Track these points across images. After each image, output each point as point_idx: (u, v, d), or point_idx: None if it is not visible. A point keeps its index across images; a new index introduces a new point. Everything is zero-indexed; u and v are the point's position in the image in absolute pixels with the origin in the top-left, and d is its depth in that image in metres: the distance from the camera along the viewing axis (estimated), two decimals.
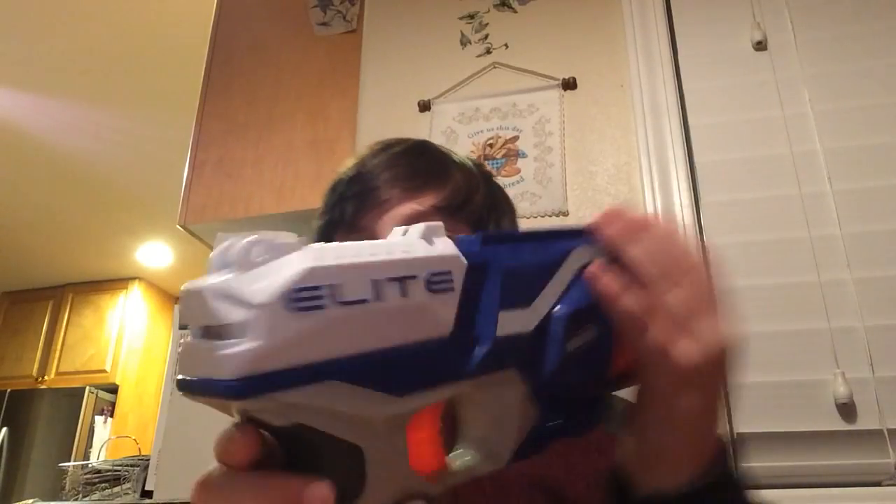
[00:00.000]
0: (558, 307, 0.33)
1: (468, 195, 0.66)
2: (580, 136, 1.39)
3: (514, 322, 0.31)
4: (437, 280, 0.28)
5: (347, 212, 0.64)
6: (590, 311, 0.34)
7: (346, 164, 0.69)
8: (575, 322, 0.33)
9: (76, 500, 1.60)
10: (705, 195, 1.29)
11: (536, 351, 0.32)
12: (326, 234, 0.68)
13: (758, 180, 1.27)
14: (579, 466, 0.52)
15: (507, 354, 0.31)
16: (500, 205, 0.72)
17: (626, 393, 0.57)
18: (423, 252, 0.28)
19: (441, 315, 0.28)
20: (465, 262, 0.29)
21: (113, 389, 4.24)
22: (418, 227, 0.29)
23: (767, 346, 1.16)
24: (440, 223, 0.30)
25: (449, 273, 0.28)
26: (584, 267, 0.34)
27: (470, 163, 0.72)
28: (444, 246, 0.29)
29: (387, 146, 0.69)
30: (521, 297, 0.32)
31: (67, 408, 4.03)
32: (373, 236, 0.62)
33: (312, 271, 0.24)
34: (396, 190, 0.63)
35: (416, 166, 0.66)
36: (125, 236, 4.18)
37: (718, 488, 0.40)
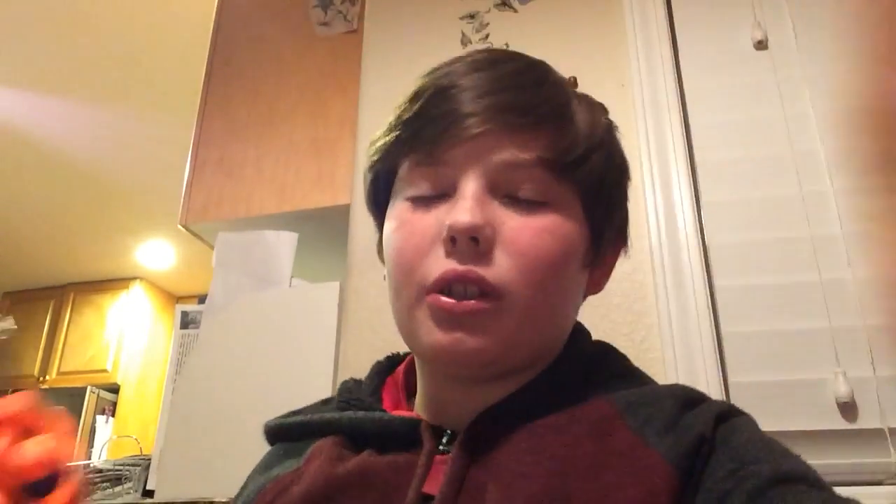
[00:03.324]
0: None
1: (588, 150, 0.50)
2: None
3: None
4: None
5: (425, 135, 0.48)
6: None
7: (435, 68, 0.54)
8: None
9: None
10: (705, 195, 1.29)
11: None
12: (390, 155, 0.52)
13: (759, 179, 1.27)
14: (612, 488, 0.40)
15: None
16: (620, 167, 0.55)
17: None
18: None
19: None
20: None
21: (114, 389, 4.24)
22: None
23: (768, 345, 1.16)
24: None
25: None
26: None
27: (595, 105, 0.55)
28: None
29: (495, 60, 0.52)
30: None
31: (69, 407, 4.01)
32: (452, 179, 0.48)
33: None
34: (495, 124, 0.47)
35: (530, 97, 0.49)
36: (126, 236, 4.18)
37: None
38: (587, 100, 0.55)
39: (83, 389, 4.06)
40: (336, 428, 0.51)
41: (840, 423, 1.09)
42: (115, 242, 4.23)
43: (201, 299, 1.60)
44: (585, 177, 0.50)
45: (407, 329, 0.49)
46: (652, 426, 0.43)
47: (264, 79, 1.76)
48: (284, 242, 1.54)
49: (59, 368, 4.31)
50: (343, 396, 0.55)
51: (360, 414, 0.50)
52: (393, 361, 0.60)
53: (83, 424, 3.97)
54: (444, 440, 0.48)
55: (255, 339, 1.41)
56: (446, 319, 0.46)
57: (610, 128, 0.55)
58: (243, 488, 0.54)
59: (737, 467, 0.40)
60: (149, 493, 1.51)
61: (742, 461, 0.40)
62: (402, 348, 0.55)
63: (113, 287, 4.57)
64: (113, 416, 4.17)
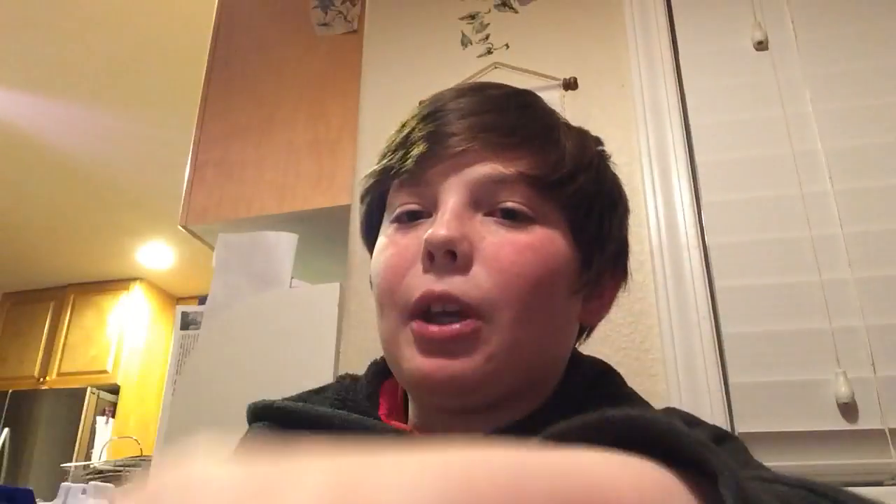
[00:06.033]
0: None
1: (574, 171, 0.49)
2: None
3: None
4: None
5: (410, 157, 0.48)
6: None
7: (428, 100, 0.53)
8: None
9: None
10: (706, 195, 1.29)
11: None
12: (379, 184, 0.52)
13: (759, 180, 1.27)
14: None
15: None
16: (612, 195, 0.53)
17: None
18: None
19: None
20: None
21: (114, 390, 4.24)
22: None
23: (768, 345, 1.16)
24: None
25: None
26: None
27: (587, 134, 0.55)
28: None
29: (482, 87, 0.53)
30: None
31: (69, 408, 4.03)
32: (434, 197, 0.48)
33: None
34: (478, 142, 0.47)
35: (514, 118, 0.50)
36: (126, 237, 4.18)
37: None
38: (578, 129, 0.55)
39: (83, 390, 4.06)
40: (326, 425, 0.49)
41: (840, 424, 1.09)
42: (116, 243, 4.23)
43: (201, 300, 1.60)
44: (572, 197, 0.49)
45: (390, 353, 0.49)
46: None
47: (264, 80, 1.76)
48: (285, 243, 1.54)
49: (59, 369, 4.31)
50: (339, 394, 0.53)
51: (354, 417, 0.49)
52: None
53: (83, 425, 3.97)
54: None
55: (255, 340, 1.41)
56: (429, 345, 0.45)
57: (602, 156, 0.54)
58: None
59: None
60: None
61: None
62: None
63: (113, 288, 4.57)
64: (113, 416, 4.17)
